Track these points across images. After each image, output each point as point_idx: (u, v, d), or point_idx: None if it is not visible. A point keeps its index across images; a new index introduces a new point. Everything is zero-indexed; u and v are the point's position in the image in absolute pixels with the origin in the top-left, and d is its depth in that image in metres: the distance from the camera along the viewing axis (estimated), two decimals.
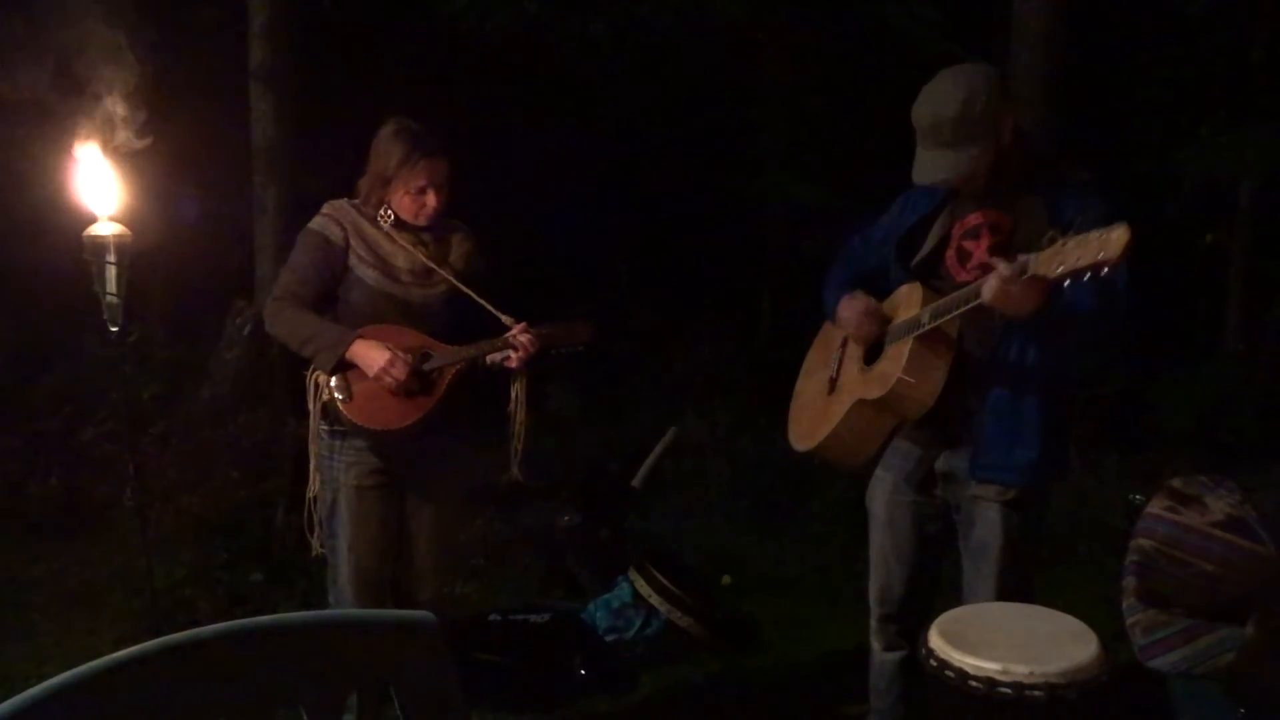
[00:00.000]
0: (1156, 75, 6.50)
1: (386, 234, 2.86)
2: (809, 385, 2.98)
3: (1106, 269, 2.10)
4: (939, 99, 2.47)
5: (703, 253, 7.00)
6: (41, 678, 1.22)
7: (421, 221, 2.86)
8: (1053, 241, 2.20)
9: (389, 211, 2.86)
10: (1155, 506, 1.91)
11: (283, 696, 1.37)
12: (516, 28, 6.14)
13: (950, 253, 2.61)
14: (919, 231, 2.67)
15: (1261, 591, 1.85)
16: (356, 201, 2.89)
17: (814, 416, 2.86)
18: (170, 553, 4.28)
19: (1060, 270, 2.17)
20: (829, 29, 6.25)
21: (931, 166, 2.50)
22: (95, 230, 2.92)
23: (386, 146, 2.82)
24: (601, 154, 7.25)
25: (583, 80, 6.91)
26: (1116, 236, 2.07)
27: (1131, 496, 2.34)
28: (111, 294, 2.93)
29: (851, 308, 2.72)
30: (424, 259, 2.86)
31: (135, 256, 2.99)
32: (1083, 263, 2.13)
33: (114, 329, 3.01)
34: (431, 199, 2.82)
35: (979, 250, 2.56)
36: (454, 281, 2.86)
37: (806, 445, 2.85)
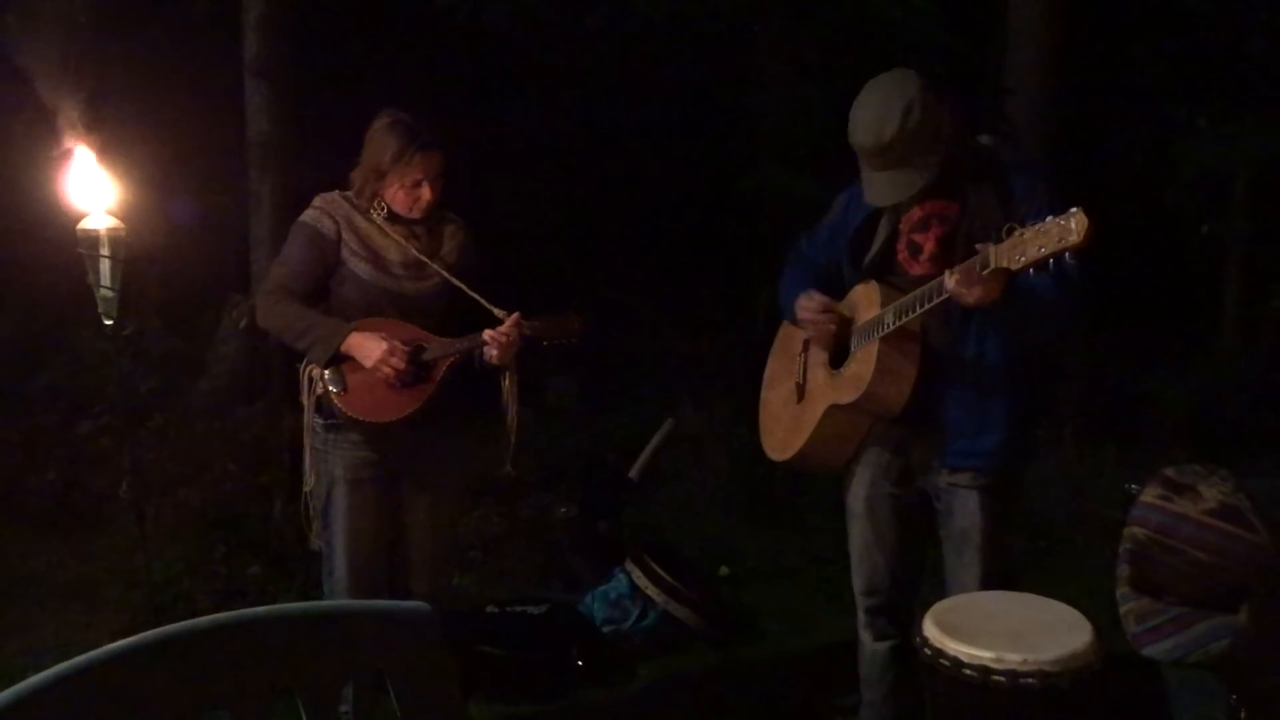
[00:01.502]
0: (1153, 66, 6.50)
1: (379, 227, 2.85)
2: (775, 395, 2.98)
3: (1069, 254, 2.12)
4: (878, 119, 2.46)
5: (699, 244, 6.99)
6: (40, 671, 1.22)
7: (416, 215, 2.85)
8: (1011, 233, 2.23)
9: (382, 204, 2.85)
10: (1149, 495, 1.92)
11: (279, 687, 1.37)
12: (511, 20, 6.13)
13: (901, 247, 2.62)
14: (866, 230, 2.68)
15: (1254, 579, 1.85)
16: (349, 194, 2.88)
17: (788, 426, 2.87)
18: (168, 546, 4.28)
19: (1023, 261, 2.21)
20: (824, 21, 6.24)
21: (889, 189, 2.51)
22: (89, 224, 2.92)
23: (381, 140, 2.80)
24: (597, 146, 7.24)
25: (578, 72, 6.90)
26: (1076, 223, 2.11)
27: (1128, 486, 2.35)
28: (106, 288, 2.93)
29: (809, 306, 2.72)
30: (416, 252, 2.85)
31: (130, 250, 2.99)
32: (1045, 251, 2.16)
33: (109, 322, 3.01)
34: (426, 192, 2.81)
35: (930, 242, 2.57)
36: (446, 274, 2.86)
37: (784, 456, 2.87)
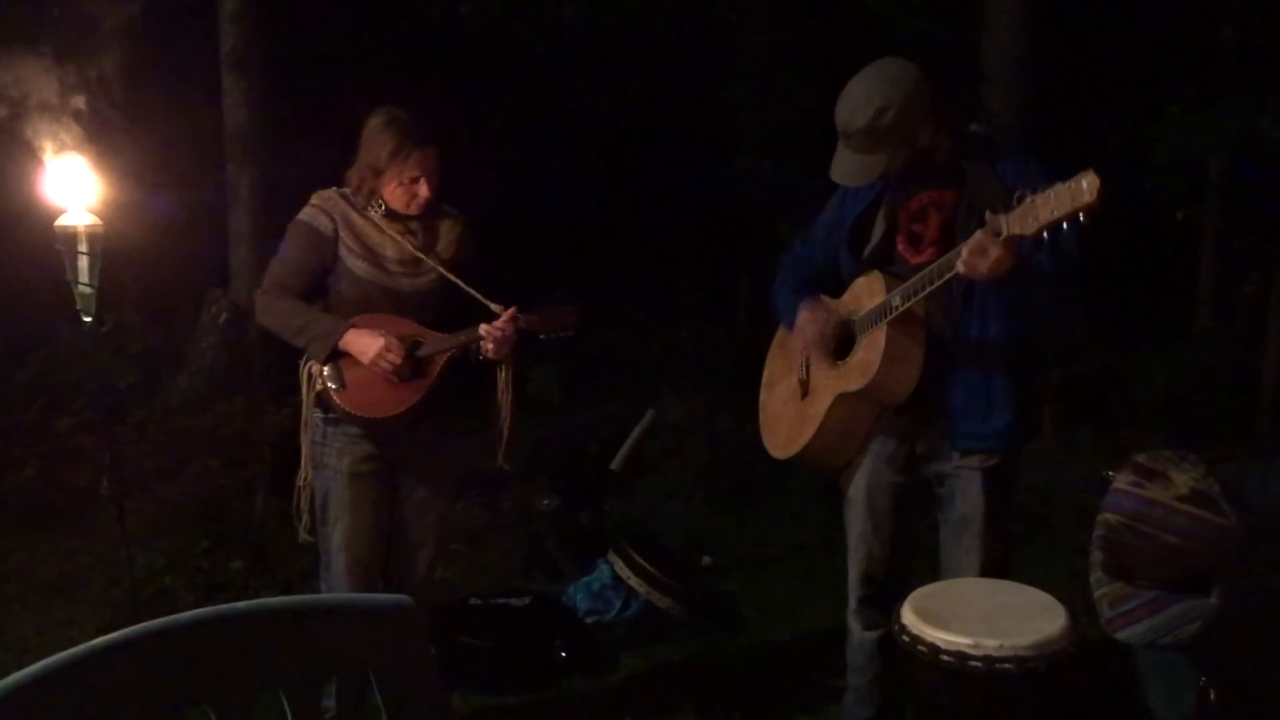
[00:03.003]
0: (1128, 53, 6.54)
1: (375, 224, 2.86)
2: (776, 395, 2.98)
3: (1083, 216, 2.13)
4: (853, 106, 2.51)
5: (680, 235, 7.01)
6: (21, 668, 1.23)
7: (413, 211, 2.87)
8: (1021, 200, 2.23)
9: (380, 202, 2.86)
10: (1121, 482, 1.94)
11: (262, 682, 1.38)
12: (490, 12, 6.12)
13: (900, 238, 2.64)
14: (864, 222, 2.70)
15: (1225, 563, 1.88)
16: (346, 191, 2.90)
17: (792, 422, 2.86)
18: (149, 542, 4.27)
19: (1036, 225, 2.20)
20: (803, 10, 6.26)
21: (844, 169, 2.58)
22: (66, 220, 2.90)
23: (377, 137, 2.81)
24: (576, 138, 7.24)
25: (557, 64, 6.89)
26: (1088, 183, 2.11)
27: (1105, 473, 2.38)
28: (84, 284, 2.92)
29: (813, 321, 2.75)
30: (412, 249, 2.87)
31: (109, 245, 2.98)
32: (1058, 214, 2.16)
33: (87, 319, 3.00)
34: (423, 189, 2.83)
35: (930, 230, 2.59)
36: (442, 270, 2.87)
37: (790, 451, 2.85)
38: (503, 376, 2.93)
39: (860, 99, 2.51)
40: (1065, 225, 2.17)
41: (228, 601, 1.40)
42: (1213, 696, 1.94)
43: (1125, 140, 6.32)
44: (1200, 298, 6.56)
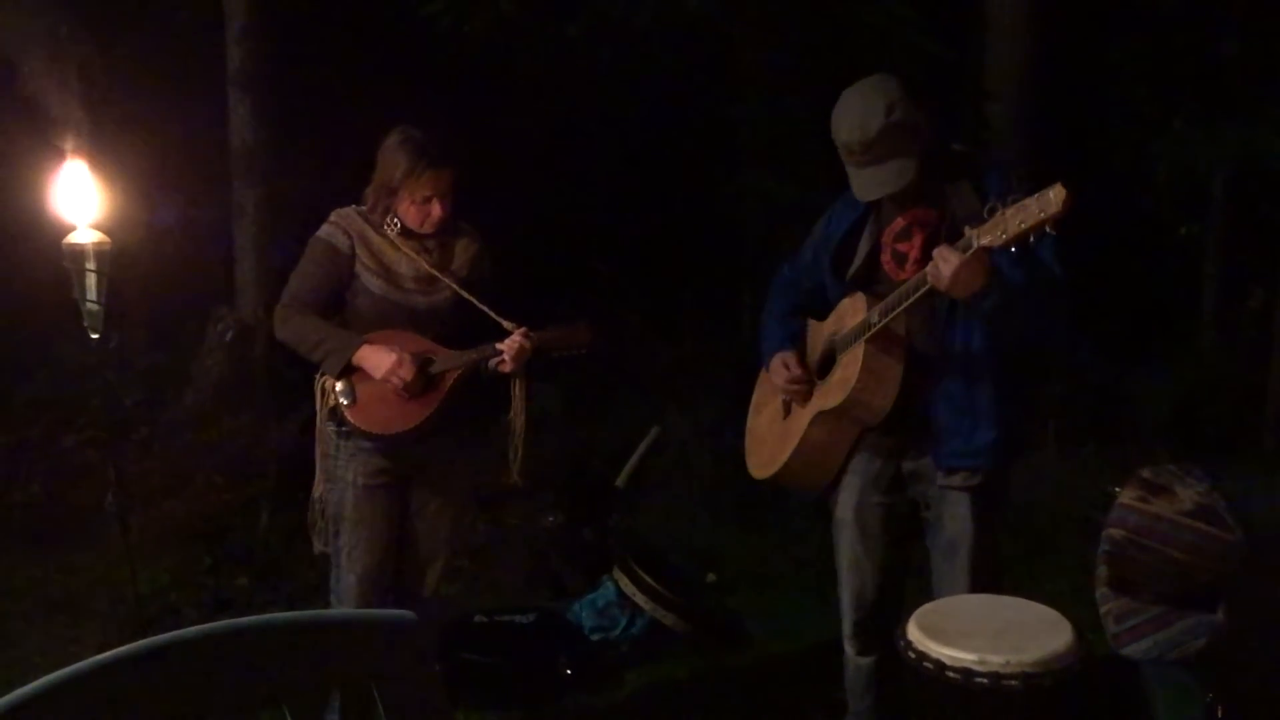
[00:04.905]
0: (1129, 68, 6.56)
1: (391, 242, 2.89)
2: (761, 419, 3.00)
3: (1050, 227, 2.15)
4: (860, 115, 2.48)
5: (682, 250, 7.01)
6: (25, 685, 1.23)
7: (427, 230, 2.90)
8: (993, 213, 2.24)
9: (395, 220, 2.88)
10: (1126, 497, 1.94)
11: (266, 697, 1.38)
12: (493, 29, 6.15)
13: (885, 258, 2.64)
14: (849, 244, 2.69)
15: (1230, 578, 1.88)
16: (363, 209, 2.93)
17: (774, 442, 2.88)
18: (154, 558, 4.27)
19: (1005, 237, 2.22)
20: (803, 26, 6.28)
21: (873, 183, 2.52)
22: (74, 238, 2.92)
23: (392, 156, 2.85)
24: (578, 154, 7.26)
25: (560, 81, 6.92)
26: (1054, 194, 2.13)
27: (1110, 489, 2.38)
28: (92, 301, 2.94)
29: (783, 375, 2.77)
30: (427, 267, 2.89)
31: (115, 262, 3.00)
32: (1025, 225, 2.18)
33: (95, 336, 3.01)
34: (436, 208, 2.86)
35: (914, 249, 2.59)
36: (457, 288, 2.89)
37: (769, 471, 2.87)
38: (517, 392, 2.95)
39: (860, 108, 2.49)
40: (1032, 239, 2.19)
41: (232, 618, 1.40)
42: (1220, 713, 1.93)
43: (1128, 156, 6.33)
44: (1204, 313, 6.56)
